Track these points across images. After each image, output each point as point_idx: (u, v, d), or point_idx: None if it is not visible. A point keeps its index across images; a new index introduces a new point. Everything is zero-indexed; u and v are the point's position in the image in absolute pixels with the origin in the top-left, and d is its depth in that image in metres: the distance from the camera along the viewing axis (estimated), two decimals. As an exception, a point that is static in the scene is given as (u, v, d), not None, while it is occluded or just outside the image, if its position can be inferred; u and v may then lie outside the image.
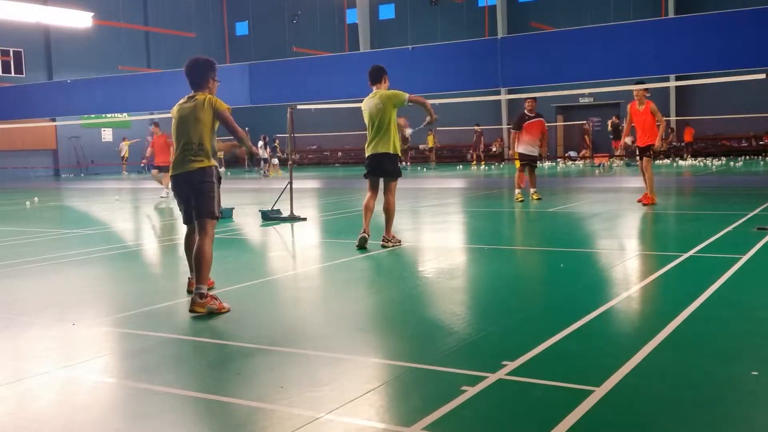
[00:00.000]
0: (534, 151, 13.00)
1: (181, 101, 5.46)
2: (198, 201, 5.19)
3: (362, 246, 7.77)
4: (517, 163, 13.23)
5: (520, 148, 12.97)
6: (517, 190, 13.07)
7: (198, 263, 5.06)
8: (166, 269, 7.61)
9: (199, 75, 5.39)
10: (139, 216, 14.06)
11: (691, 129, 31.82)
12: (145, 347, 4.29)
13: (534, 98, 13.17)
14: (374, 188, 7.98)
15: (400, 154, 7.93)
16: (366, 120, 7.93)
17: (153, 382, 3.63)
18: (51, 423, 3.19)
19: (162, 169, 16.67)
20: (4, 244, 9.28)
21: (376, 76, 7.94)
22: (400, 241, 8.04)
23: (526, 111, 12.99)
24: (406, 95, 7.77)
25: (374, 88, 7.96)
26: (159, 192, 16.96)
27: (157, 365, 3.94)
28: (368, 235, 7.82)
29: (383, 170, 7.84)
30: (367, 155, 7.90)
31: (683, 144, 31.81)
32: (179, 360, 4.05)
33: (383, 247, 7.81)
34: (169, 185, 16.51)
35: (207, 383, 3.65)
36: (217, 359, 4.04)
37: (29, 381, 3.72)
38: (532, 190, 13.21)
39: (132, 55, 39.05)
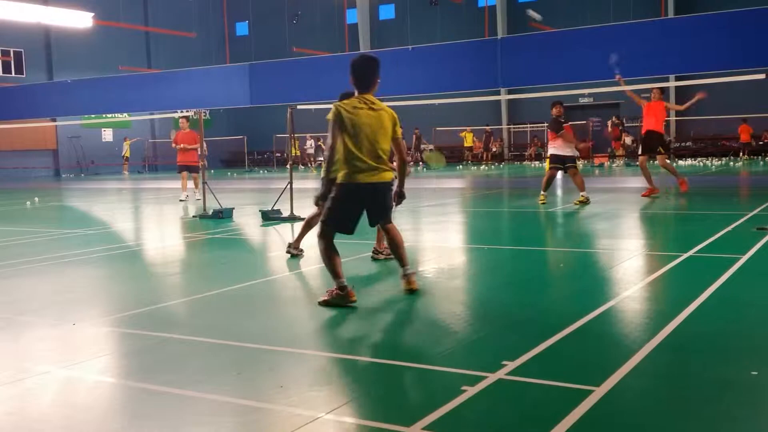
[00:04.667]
0: (568, 152, 12.53)
1: (355, 104, 5.27)
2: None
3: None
4: (547, 164, 12.91)
5: (553, 150, 12.64)
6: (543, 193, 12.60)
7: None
8: (167, 269, 7.61)
9: (373, 74, 5.33)
10: (140, 216, 14.06)
11: (748, 127, 29.62)
12: (145, 347, 4.29)
13: (561, 103, 12.77)
14: None
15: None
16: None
17: (153, 382, 3.63)
18: (51, 423, 3.19)
19: (185, 168, 15.96)
20: (4, 244, 9.28)
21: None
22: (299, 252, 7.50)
23: (560, 117, 12.47)
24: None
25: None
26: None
27: (157, 365, 3.94)
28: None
29: None
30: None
31: (740, 144, 30.20)
32: (179, 360, 4.05)
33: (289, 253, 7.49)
34: (187, 187, 16.10)
35: (207, 383, 3.65)
36: (217, 359, 4.04)
37: (29, 381, 3.72)
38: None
39: (132, 55, 39.05)
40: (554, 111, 12.66)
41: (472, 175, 25.50)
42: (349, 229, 5.41)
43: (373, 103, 5.31)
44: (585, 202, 12.07)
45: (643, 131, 13.07)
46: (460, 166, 32.24)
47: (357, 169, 5.19)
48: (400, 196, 5.62)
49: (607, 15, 31.26)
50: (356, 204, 5.34)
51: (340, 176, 5.25)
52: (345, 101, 5.37)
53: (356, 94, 5.37)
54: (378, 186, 5.29)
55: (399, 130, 5.45)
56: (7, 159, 33.27)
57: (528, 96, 13.15)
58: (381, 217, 5.56)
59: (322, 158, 32.87)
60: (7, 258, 7.95)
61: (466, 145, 34.38)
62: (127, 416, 3.26)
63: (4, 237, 10.07)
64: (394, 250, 5.60)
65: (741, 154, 30.16)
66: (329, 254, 5.31)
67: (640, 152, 13.32)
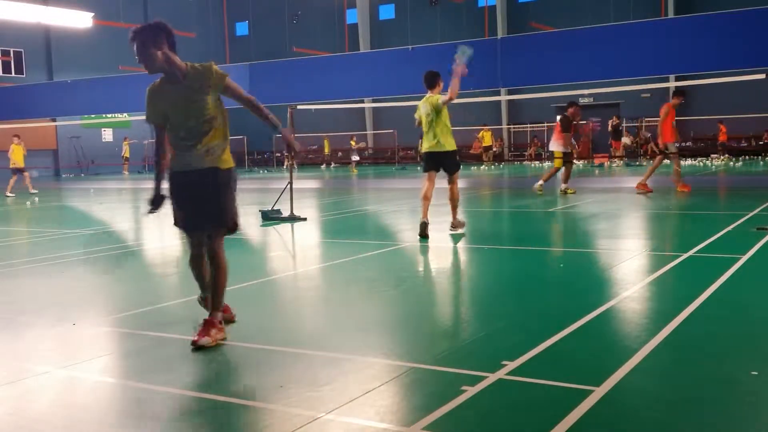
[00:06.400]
0: (567, 149, 14.29)
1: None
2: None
3: (424, 233, 8.32)
4: (558, 162, 14.37)
5: (557, 147, 14.19)
6: (564, 185, 14.23)
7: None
8: (166, 269, 7.61)
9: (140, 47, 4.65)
10: (140, 216, 14.06)
11: (723, 126, 30.43)
12: (145, 347, 4.29)
13: (576, 104, 14.37)
14: (432, 180, 8.68)
15: (456, 148, 8.71)
16: (420, 119, 8.65)
17: (153, 382, 3.63)
18: (51, 423, 3.19)
19: None
20: (4, 244, 9.29)
21: (432, 82, 8.57)
22: (463, 224, 8.91)
23: (573, 118, 14.09)
24: (440, 101, 8.35)
25: (429, 92, 8.56)
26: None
27: (157, 365, 3.94)
28: (428, 221, 8.43)
29: (444, 165, 8.61)
30: (423, 151, 8.72)
31: (718, 144, 30.72)
32: (179, 360, 4.05)
33: (452, 230, 8.80)
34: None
35: (207, 383, 3.65)
36: (217, 359, 4.03)
37: (29, 381, 3.73)
38: (565, 186, 14.22)
39: (132, 55, 38.92)
40: (570, 111, 14.07)
41: (472, 175, 25.49)
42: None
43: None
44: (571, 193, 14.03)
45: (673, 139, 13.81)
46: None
47: None
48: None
49: (607, 15, 31.28)
50: None
51: (231, 162, 4.52)
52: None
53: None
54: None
55: None
56: (7, 159, 33.24)
57: (527, 96, 13.24)
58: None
59: (357, 158, 32.88)
60: (7, 258, 7.95)
61: (484, 144, 33.92)
62: (127, 416, 3.26)
63: (4, 237, 10.07)
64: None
65: (721, 154, 30.34)
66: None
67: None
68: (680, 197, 12.95)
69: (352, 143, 34.17)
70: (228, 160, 4.43)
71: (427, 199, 8.53)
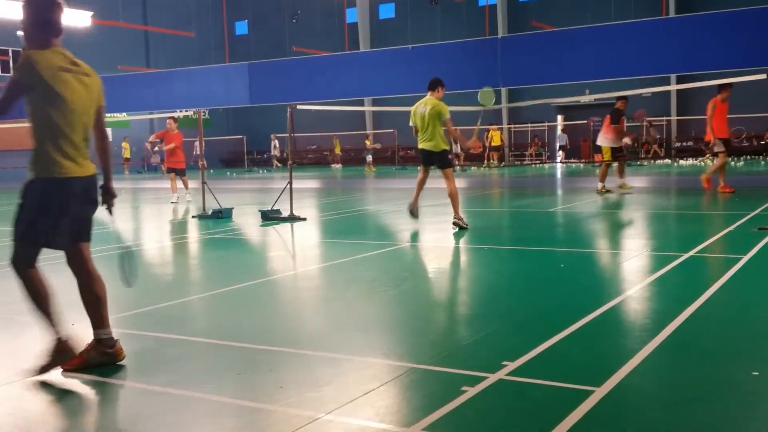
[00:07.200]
0: (617, 144, 14.19)
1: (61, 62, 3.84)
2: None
3: (412, 213, 9.79)
4: (608, 157, 14.34)
5: (605, 142, 14.16)
6: (600, 184, 14.20)
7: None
8: (166, 269, 7.60)
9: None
10: (139, 216, 14.05)
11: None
12: (145, 347, 4.29)
13: (626, 98, 14.39)
14: (426, 172, 9.67)
15: (447, 148, 9.49)
16: (414, 120, 9.44)
17: (153, 382, 3.63)
18: (51, 423, 3.19)
19: (173, 170, 16.04)
20: (4, 244, 9.27)
21: (432, 85, 9.37)
22: (466, 225, 9.26)
23: (622, 111, 14.06)
24: (447, 117, 9.20)
25: (428, 94, 9.35)
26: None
27: (157, 365, 3.94)
28: (417, 206, 9.76)
29: (432, 162, 9.42)
30: (419, 147, 9.56)
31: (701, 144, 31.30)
32: (179, 360, 4.05)
33: (454, 224, 9.22)
34: (177, 190, 15.95)
35: (207, 383, 3.64)
36: (217, 359, 4.03)
37: (29, 381, 3.72)
38: (622, 181, 14.14)
39: (131, 55, 39.06)
40: (618, 104, 14.11)
41: (473, 175, 25.50)
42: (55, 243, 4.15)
43: (78, 65, 3.88)
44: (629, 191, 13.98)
45: (724, 134, 13.81)
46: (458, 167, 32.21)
47: (68, 156, 3.91)
48: (110, 194, 4.31)
49: (607, 14, 31.29)
50: (62, 209, 4.12)
51: (39, 170, 3.89)
52: (42, 51, 3.83)
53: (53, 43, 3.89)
54: (89, 180, 4.15)
55: (102, 103, 4.10)
56: (7, 159, 33.27)
57: (529, 104, 13.29)
58: (82, 232, 4.35)
59: (370, 156, 32.62)
60: (7, 258, 7.93)
61: (494, 144, 33.64)
62: (127, 416, 3.25)
63: (5, 237, 10.06)
64: (90, 302, 4.11)
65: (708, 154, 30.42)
66: (37, 288, 4.12)
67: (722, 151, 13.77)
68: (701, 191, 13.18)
69: (367, 143, 34.03)
70: (35, 170, 3.89)
71: (420, 184, 9.69)
